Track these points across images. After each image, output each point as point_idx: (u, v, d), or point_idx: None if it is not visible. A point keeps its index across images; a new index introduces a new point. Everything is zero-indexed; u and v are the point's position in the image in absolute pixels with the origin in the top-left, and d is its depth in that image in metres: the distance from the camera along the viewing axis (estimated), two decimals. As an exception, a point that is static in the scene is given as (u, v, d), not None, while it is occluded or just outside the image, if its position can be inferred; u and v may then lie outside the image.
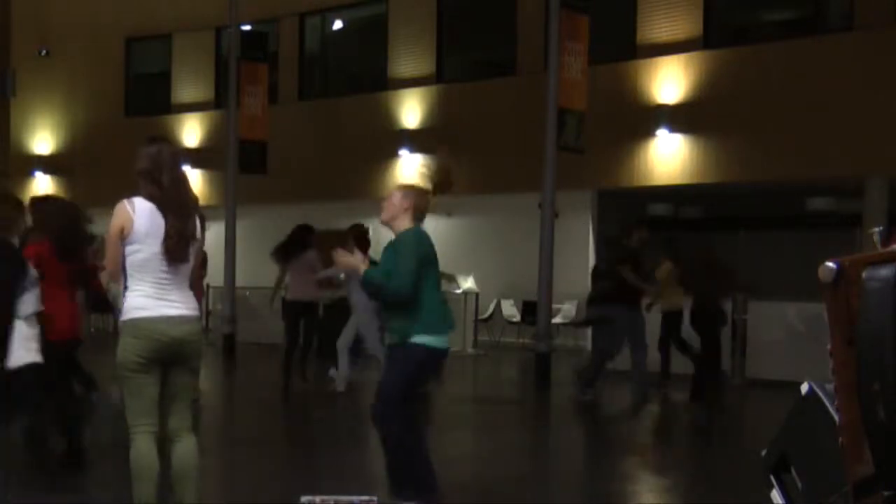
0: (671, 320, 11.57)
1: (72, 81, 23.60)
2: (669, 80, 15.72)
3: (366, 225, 10.88)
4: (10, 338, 5.29)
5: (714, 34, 15.64)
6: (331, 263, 10.81)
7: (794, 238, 15.93)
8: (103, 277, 4.72)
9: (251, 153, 17.16)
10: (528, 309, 16.55)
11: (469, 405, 11.37)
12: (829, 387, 2.92)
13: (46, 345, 5.56)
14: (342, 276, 10.53)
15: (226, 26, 17.66)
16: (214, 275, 16.05)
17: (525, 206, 15.40)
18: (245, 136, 16.77)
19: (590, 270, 12.43)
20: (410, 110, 18.68)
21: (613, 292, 10.69)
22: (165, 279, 4.51)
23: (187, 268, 4.60)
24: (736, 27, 16.28)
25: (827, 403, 2.95)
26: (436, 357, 5.34)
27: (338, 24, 20.89)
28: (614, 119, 15.62)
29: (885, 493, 2.66)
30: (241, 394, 12.23)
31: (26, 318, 5.38)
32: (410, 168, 18.67)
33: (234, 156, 16.25)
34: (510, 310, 18.14)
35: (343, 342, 10.89)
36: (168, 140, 4.92)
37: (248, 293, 17.24)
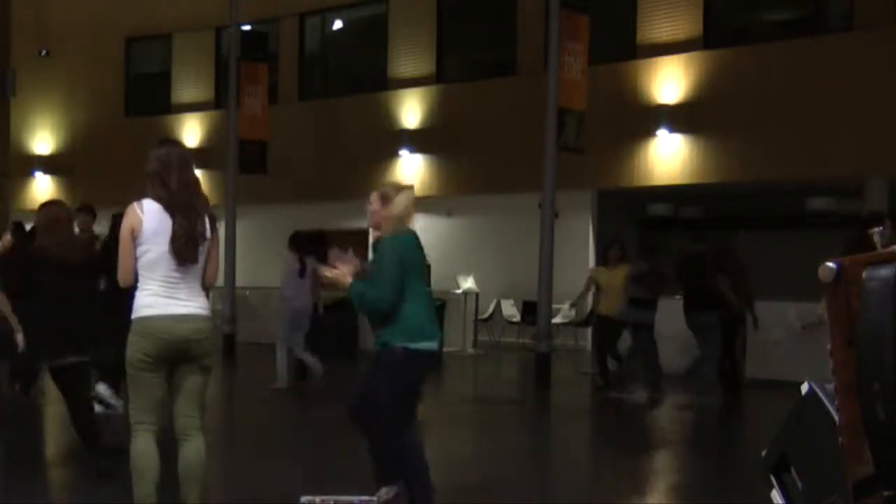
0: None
1: (72, 81, 23.61)
2: (669, 80, 15.72)
3: (366, 226, 10.87)
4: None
5: (714, 34, 15.65)
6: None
7: (794, 238, 15.94)
8: (120, 282, 4.75)
9: (251, 153, 17.16)
10: (528, 309, 16.55)
11: (469, 405, 11.37)
12: (829, 387, 2.92)
13: None
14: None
15: (226, 26, 17.66)
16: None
17: (525, 206, 15.41)
18: (245, 136, 16.77)
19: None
20: (410, 110, 18.68)
21: (702, 297, 10.71)
22: (174, 279, 4.55)
23: (197, 268, 4.62)
24: (736, 27, 16.29)
25: (827, 403, 2.95)
26: (420, 358, 5.11)
27: (338, 24, 20.90)
28: (614, 119, 15.63)
29: (885, 493, 2.66)
30: (241, 394, 12.23)
31: None
32: (410, 168, 18.69)
33: (234, 156, 16.25)
34: (510, 310, 18.13)
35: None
36: (179, 143, 4.94)
37: (248, 293, 17.25)
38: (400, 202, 5.14)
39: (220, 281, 17.10)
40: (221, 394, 11.68)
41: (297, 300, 11.07)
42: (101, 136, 22.66)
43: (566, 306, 16.93)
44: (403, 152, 18.59)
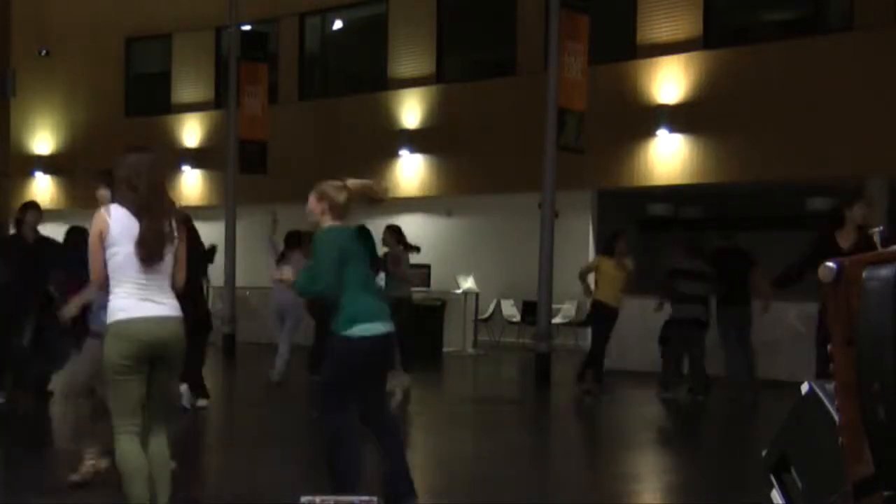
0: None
1: (72, 81, 23.60)
2: (669, 80, 15.72)
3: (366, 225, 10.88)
4: None
5: (714, 34, 15.64)
6: None
7: (794, 238, 15.92)
8: (92, 286, 4.84)
9: (251, 153, 17.16)
10: (528, 309, 16.55)
11: (469, 405, 11.37)
12: (829, 387, 2.92)
13: None
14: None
15: (226, 26, 17.66)
16: (214, 275, 16.06)
17: (525, 206, 15.41)
18: (245, 136, 16.77)
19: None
20: (410, 110, 18.68)
21: (745, 292, 10.85)
22: (144, 280, 4.62)
23: (165, 269, 4.70)
24: (736, 27, 16.28)
25: (827, 403, 2.95)
26: (357, 345, 5.24)
27: (338, 24, 20.89)
28: (614, 119, 15.62)
29: (885, 493, 2.66)
30: (240, 394, 12.23)
31: None
32: (410, 168, 18.69)
33: (234, 156, 16.26)
34: (510, 310, 18.14)
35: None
36: (150, 148, 5.03)
37: (248, 293, 17.25)
38: (340, 195, 5.36)
39: (221, 281, 17.18)
40: (222, 394, 11.68)
41: (277, 293, 11.53)
42: (101, 136, 22.63)
43: (567, 306, 16.94)
44: (403, 152, 18.59)
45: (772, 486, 3.19)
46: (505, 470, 7.29)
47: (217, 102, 21.15)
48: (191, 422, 8.85)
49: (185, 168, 21.47)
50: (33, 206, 9.86)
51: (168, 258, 4.69)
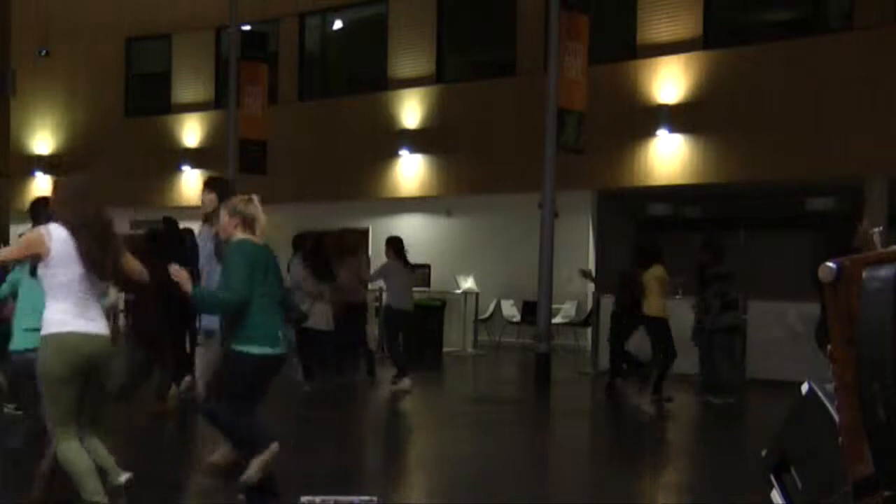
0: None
1: (72, 81, 23.60)
2: (669, 80, 15.72)
3: (366, 226, 11.01)
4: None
5: (714, 34, 15.64)
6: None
7: (794, 238, 15.93)
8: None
9: (251, 153, 17.16)
10: (528, 309, 16.54)
11: (469, 405, 11.37)
12: (829, 387, 2.92)
13: None
14: None
15: (226, 26, 17.66)
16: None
17: (525, 206, 15.39)
18: (245, 136, 16.77)
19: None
20: (410, 110, 18.68)
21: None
22: (83, 297, 4.88)
23: (104, 286, 5.10)
24: (736, 27, 16.28)
25: (827, 403, 2.95)
26: (261, 364, 5.45)
27: (338, 24, 20.89)
28: (614, 119, 15.62)
29: (885, 493, 2.66)
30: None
31: None
32: (410, 168, 18.68)
33: (234, 156, 16.25)
34: (510, 310, 18.13)
35: None
36: (86, 175, 5.47)
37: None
38: (248, 207, 5.57)
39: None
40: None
41: None
42: (101, 136, 22.65)
43: (567, 306, 16.93)
44: (403, 152, 18.59)
45: (772, 487, 3.19)
46: (505, 470, 7.29)
47: (217, 102, 21.15)
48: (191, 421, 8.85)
49: (185, 168, 21.48)
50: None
51: (108, 277, 5.07)
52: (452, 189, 18.37)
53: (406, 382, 11.39)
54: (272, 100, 18.83)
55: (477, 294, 17.11)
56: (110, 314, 9.80)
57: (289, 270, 11.16)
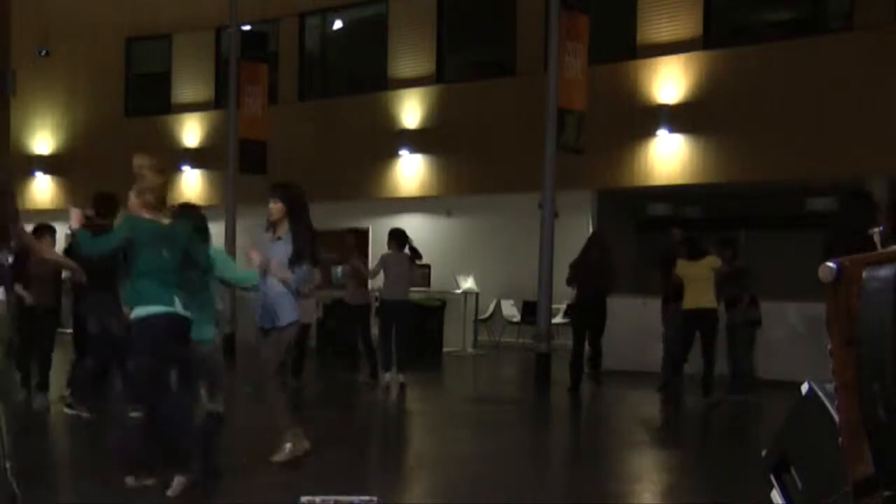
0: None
1: (72, 81, 23.60)
2: (669, 80, 15.72)
3: (366, 226, 11.01)
4: None
5: (714, 34, 15.65)
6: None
7: (794, 238, 15.92)
8: None
9: (251, 153, 17.15)
10: (528, 309, 16.55)
11: (469, 405, 11.37)
12: (829, 387, 2.92)
13: None
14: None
15: (226, 26, 17.66)
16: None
17: (525, 206, 15.39)
18: (245, 136, 16.76)
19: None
20: (410, 110, 18.68)
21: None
22: None
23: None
24: (736, 27, 16.28)
25: (827, 403, 2.95)
26: (150, 323, 5.80)
27: (338, 24, 20.89)
28: (614, 119, 15.62)
29: (885, 493, 2.66)
30: (240, 393, 12.22)
31: None
32: (410, 168, 18.69)
33: (234, 156, 16.25)
34: (510, 310, 18.13)
35: None
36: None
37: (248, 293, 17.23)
38: (148, 189, 5.97)
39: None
40: (221, 393, 11.66)
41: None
42: (101, 136, 22.65)
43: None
44: (403, 152, 18.59)
45: (772, 487, 3.19)
46: (505, 470, 7.29)
47: (217, 102, 21.15)
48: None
49: (185, 168, 21.48)
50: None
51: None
52: (452, 189, 18.37)
53: (386, 377, 11.57)
54: (272, 100, 18.83)
55: (477, 294, 17.11)
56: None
57: None
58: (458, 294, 16.51)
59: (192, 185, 21.54)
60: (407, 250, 11.75)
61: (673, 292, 11.11)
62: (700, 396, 10.74)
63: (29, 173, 23.94)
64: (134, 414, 8.31)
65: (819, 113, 14.22)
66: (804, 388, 3.11)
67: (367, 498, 5.01)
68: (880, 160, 13.72)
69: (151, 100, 22.75)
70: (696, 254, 10.78)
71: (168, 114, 22.13)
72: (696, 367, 11.05)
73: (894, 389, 2.55)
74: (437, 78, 18.55)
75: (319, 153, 19.33)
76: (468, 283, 16.80)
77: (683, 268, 10.70)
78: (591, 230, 16.89)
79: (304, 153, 19.27)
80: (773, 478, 3.18)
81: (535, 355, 12.41)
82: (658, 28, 16.02)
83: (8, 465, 5.00)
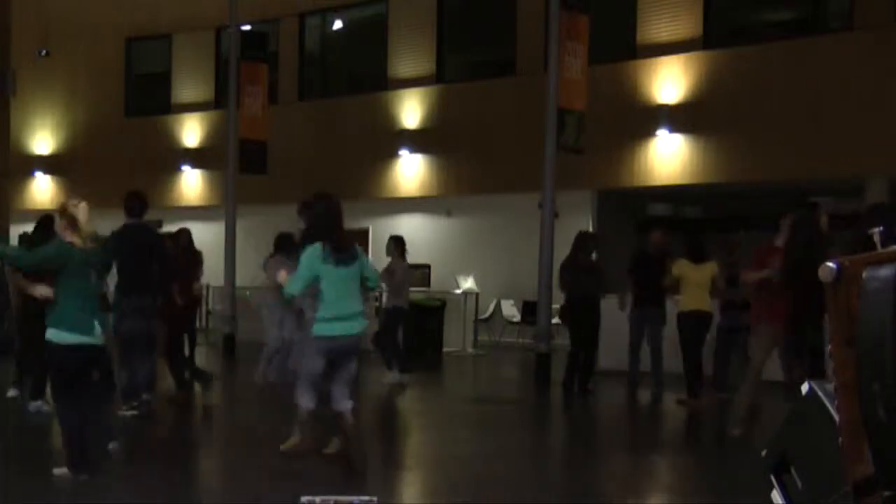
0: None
1: (72, 81, 23.60)
2: (669, 80, 15.72)
3: (366, 226, 11.06)
4: None
5: (714, 34, 15.65)
6: None
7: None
8: None
9: (251, 153, 17.14)
10: (528, 309, 16.54)
11: (469, 405, 11.36)
12: (829, 387, 2.92)
13: None
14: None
15: (226, 26, 17.65)
16: (214, 275, 16.06)
17: (525, 206, 15.40)
18: (245, 136, 16.76)
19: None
20: (410, 110, 18.68)
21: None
22: None
23: None
24: (736, 27, 16.28)
25: (827, 403, 2.95)
26: (64, 351, 6.14)
27: (338, 24, 20.89)
28: (614, 119, 15.62)
29: (885, 493, 2.66)
30: (240, 394, 12.22)
31: None
32: (410, 168, 18.68)
33: (234, 156, 16.25)
34: (510, 310, 18.13)
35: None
36: None
37: (248, 293, 17.23)
38: (66, 216, 6.28)
39: (220, 281, 17.20)
40: (221, 394, 11.68)
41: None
42: (101, 136, 22.65)
43: None
44: (403, 152, 18.60)
45: (772, 487, 3.19)
46: (505, 470, 7.28)
47: (217, 102, 21.15)
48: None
49: (185, 168, 21.48)
50: None
51: None
52: (452, 189, 18.37)
53: (395, 376, 11.68)
54: (272, 100, 18.83)
55: (477, 294, 17.10)
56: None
57: (265, 269, 11.18)
58: (458, 294, 16.51)
59: (192, 185, 21.54)
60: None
61: (653, 294, 11.07)
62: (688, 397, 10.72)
63: (29, 173, 23.94)
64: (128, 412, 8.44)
65: (819, 113, 14.22)
66: (804, 388, 3.11)
67: (366, 498, 5.01)
68: (880, 160, 13.72)
69: (151, 100, 22.75)
70: (698, 257, 10.74)
71: (168, 114, 22.13)
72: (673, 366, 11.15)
73: (894, 389, 2.55)
74: (437, 78, 18.55)
75: (319, 153, 19.34)
76: (468, 283, 16.80)
77: (684, 269, 10.65)
78: (591, 230, 16.91)
79: (304, 153, 19.28)
80: (773, 478, 3.18)
81: (535, 355, 12.41)
82: (658, 28, 16.02)
83: None
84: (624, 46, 16.24)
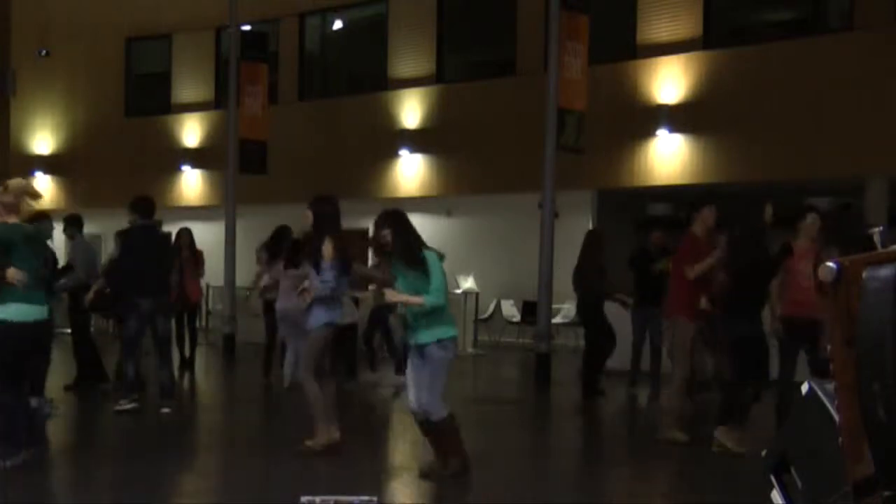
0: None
1: (72, 81, 23.60)
2: (669, 80, 15.72)
3: (366, 226, 11.05)
4: None
5: (714, 34, 15.65)
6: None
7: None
8: None
9: (251, 153, 17.14)
10: (528, 309, 16.54)
11: (469, 405, 11.35)
12: (829, 387, 2.92)
13: None
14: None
15: (226, 26, 17.65)
16: (214, 275, 16.06)
17: (525, 206, 15.40)
18: (245, 136, 16.76)
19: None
20: (410, 110, 18.68)
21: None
22: None
23: None
24: (736, 27, 16.28)
25: (827, 403, 2.95)
26: (13, 329, 6.32)
27: (338, 24, 20.89)
28: (614, 119, 15.62)
29: (885, 493, 2.66)
30: (240, 394, 12.23)
31: None
32: (410, 168, 18.68)
33: (234, 156, 16.25)
34: (510, 310, 18.13)
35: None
36: None
37: (248, 293, 17.23)
38: (3, 198, 6.49)
39: (220, 280, 17.19)
40: (221, 394, 11.69)
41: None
42: (101, 136, 22.65)
43: (567, 306, 16.92)
44: (403, 152, 18.60)
45: (772, 487, 3.19)
46: (504, 470, 7.29)
47: (217, 102, 21.15)
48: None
49: (185, 168, 21.47)
50: None
51: None
52: (452, 189, 18.37)
53: (370, 376, 11.94)
54: (272, 100, 18.83)
55: (477, 294, 17.10)
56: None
57: (258, 260, 11.22)
58: (458, 294, 16.49)
59: (192, 185, 21.54)
60: None
61: (653, 294, 11.07)
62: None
63: (29, 173, 23.92)
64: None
65: (819, 113, 14.22)
66: (804, 388, 3.11)
67: (366, 498, 5.01)
68: (880, 160, 13.73)
69: (151, 100, 22.75)
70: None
71: (168, 114, 22.13)
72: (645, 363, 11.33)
73: (894, 389, 2.55)
74: (436, 78, 18.55)
75: (319, 153, 19.34)
76: (468, 283, 16.79)
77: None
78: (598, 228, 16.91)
79: (304, 153, 19.28)
80: (773, 478, 3.18)
81: (535, 355, 12.40)
82: (658, 28, 16.02)
83: None
84: (624, 46, 16.24)
